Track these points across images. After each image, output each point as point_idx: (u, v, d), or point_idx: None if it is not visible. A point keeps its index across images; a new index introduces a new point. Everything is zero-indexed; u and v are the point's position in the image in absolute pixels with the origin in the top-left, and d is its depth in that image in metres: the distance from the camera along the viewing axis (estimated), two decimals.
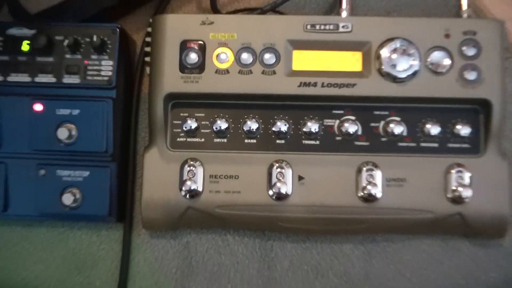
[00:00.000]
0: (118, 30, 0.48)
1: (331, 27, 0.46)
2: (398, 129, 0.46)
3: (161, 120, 0.47)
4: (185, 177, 0.46)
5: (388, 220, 0.46)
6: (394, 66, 0.45)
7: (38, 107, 0.48)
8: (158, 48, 0.47)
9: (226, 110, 0.48)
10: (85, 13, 0.50)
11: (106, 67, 0.48)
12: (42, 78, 0.48)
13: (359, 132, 0.47)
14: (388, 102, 0.47)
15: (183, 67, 0.47)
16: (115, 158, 0.48)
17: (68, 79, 0.48)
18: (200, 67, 0.47)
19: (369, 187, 0.46)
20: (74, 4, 0.50)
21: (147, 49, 0.48)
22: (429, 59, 0.46)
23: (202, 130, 0.48)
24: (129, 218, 0.50)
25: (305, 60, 0.47)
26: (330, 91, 0.46)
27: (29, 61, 0.48)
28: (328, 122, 0.48)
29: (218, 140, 0.47)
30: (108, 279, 0.49)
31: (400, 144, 0.47)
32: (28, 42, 0.48)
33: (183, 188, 0.46)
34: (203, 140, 0.48)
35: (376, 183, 0.46)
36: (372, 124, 0.47)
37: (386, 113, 0.47)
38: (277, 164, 0.46)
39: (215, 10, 0.52)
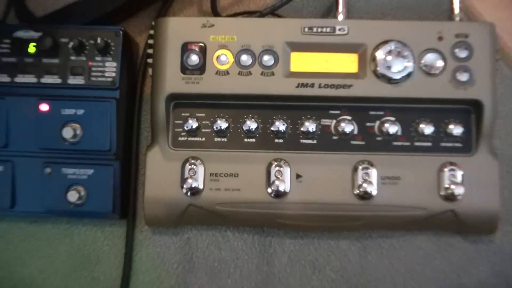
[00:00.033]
0: (121, 32, 0.48)
1: (328, 29, 0.47)
2: (392, 128, 0.47)
3: (163, 120, 0.47)
4: (186, 175, 0.47)
5: (383, 217, 0.46)
6: (389, 67, 0.46)
7: (44, 107, 0.48)
8: (160, 50, 0.47)
9: (226, 110, 0.48)
10: (89, 16, 0.50)
11: (109, 69, 0.48)
12: (48, 79, 0.48)
13: (355, 132, 0.47)
14: (383, 103, 0.47)
15: (185, 69, 0.47)
16: (118, 156, 0.48)
17: (73, 80, 0.48)
18: (201, 68, 0.47)
19: (364, 185, 0.46)
20: (79, 7, 0.50)
21: (150, 51, 0.49)
22: (422, 61, 0.46)
23: (203, 130, 0.48)
24: (132, 215, 0.50)
25: (302, 62, 0.47)
26: (327, 92, 0.46)
27: (36, 63, 0.48)
28: (325, 122, 0.48)
29: (218, 139, 0.48)
30: (112, 274, 0.50)
31: (395, 143, 0.47)
32: (35, 44, 0.48)
33: (184, 186, 0.46)
34: (203, 139, 0.48)
35: (371, 181, 0.46)
36: (368, 124, 0.48)
37: (381, 113, 0.48)
38: (275, 163, 0.47)
39: (215, 13, 0.52)
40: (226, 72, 0.46)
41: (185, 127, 0.47)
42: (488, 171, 0.46)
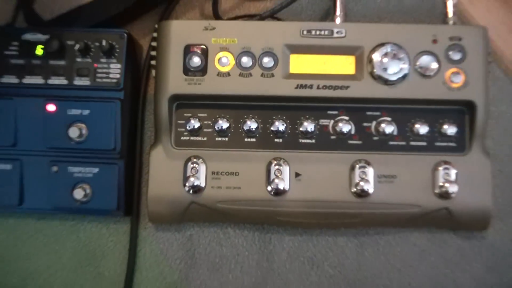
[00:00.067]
0: (125, 35, 0.49)
1: (326, 32, 0.47)
2: (389, 128, 0.47)
3: (166, 120, 0.47)
4: (188, 173, 0.47)
5: (379, 214, 0.46)
6: (385, 69, 0.46)
7: (51, 107, 0.48)
8: (163, 52, 0.47)
9: (227, 110, 0.48)
10: (94, 19, 0.50)
11: (114, 70, 0.48)
12: (54, 80, 0.48)
13: (353, 132, 0.48)
14: (379, 103, 0.48)
15: (187, 70, 0.47)
16: (123, 155, 0.49)
17: (79, 81, 0.48)
18: (202, 70, 0.47)
19: (361, 183, 0.46)
20: (85, 11, 0.50)
21: (153, 53, 0.49)
22: (418, 63, 0.46)
23: (205, 130, 0.48)
24: (136, 212, 0.50)
25: (301, 64, 0.47)
26: (325, 93, 0.46)
27: (43, 64, 0.48)
28: (323, 122, 0.48)
29: (219, 139, 0.48)
30: (117, 269, 0.50)
31: (391, 143, 0.48)
32: (42, 46, 0.48)
33: (187, 184, 0.46)
34: (205, 139, 0.48)
35: (368, 180, 0.46)
36: (365, 124, 0.48)
37: (378, 113, 0.48)
38: (275, 162, 0.47)
39: (217, 16, 0.53)
40: (227, 74, 0.47)
41: (187, 127, 0.47)
42: (481, 170, 0.47)
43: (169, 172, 0.47)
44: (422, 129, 0.47)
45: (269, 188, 0.46)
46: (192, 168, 0.47)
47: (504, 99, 0.51)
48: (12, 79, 0.48)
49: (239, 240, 0.50)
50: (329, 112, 0.48)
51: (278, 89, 0.47)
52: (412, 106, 0.47)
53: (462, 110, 0.47)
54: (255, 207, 0.47)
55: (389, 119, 0.47)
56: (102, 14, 0.50)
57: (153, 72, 0.49)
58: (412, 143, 0.48)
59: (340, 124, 0.47)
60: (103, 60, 0.48)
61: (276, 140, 0.48)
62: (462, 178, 0.46)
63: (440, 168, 0.46)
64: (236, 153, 0.47)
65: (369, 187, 0.46)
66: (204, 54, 0.47)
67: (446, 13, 0.50)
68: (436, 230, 0.50)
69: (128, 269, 0.49)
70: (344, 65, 0.47)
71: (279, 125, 0.47)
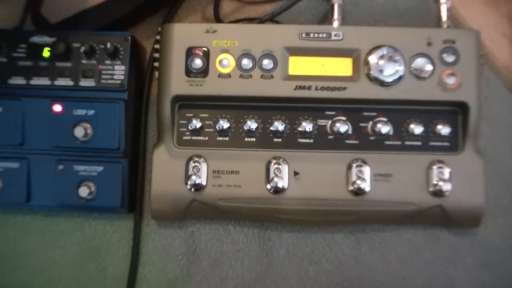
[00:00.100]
0: (129, 37, 0.49)
1: (324, 35, 0.47)
2: (385, 128, 0.47)
3: (169, 120, 0.48)
4: (190, 172, 0.47)
5: (375, 211, 0.47)
6: (381, 71, 0.46)
7: (57, 108, 0.48)
8: (166, 54, 0.48)
9: (228, 111, 0.48)
10: (99, 23, 0.51)
11: (118, 72, 0.49)
12: (61, 82, 0.49)
13: (350, 132, 0.48)
14: (376, 104, 0.48)
15: (189, 72, 0.47)
16: (126, 154, 0.49)
17: (84, 83, 0.48)
18: (204, 71, 0.47)
19: (358, 181, 0.46)
20: (90, 14, 0.51)
21: (156, 55, 0.49)
22: (413, 65, 0.47)
23: (206, 129, 0.48)
24: (139, 209, 0.51)
25: (300, 66, 0.48)
26: (323, 94, 0.47)
27: (50, 66, 0.49)
28: (321, 122, 0.48)
29: (220, 138, 0.48)
30: (120, 264, 0.50)
31: (387, 142, 0.48)
32: (49, 49, 0.48)
33: (189, 182, 0.47)
34: (206, 138, 0.48)
35: (364, 178, 0.47)
36: (361, 124, 0.48)
37: (374, 114, 0.48)
38: (274, 161, 0.47)
39: (218, 19, 0.53)
40: (228, 75, 0.47)
41: (189, 127, 0.48)
42: (474, 168, 0.47)
43: (172, 170, 0.47)
44: (417, 129, 0.47)
45: (268, 187, 0.47)
46: (194, 167, 0.47)
47: (496, 100, 0.52)
48: (20, 81, 0.49)
49: (239, 236, 0.51)
50: (327, 112, 0.48)
51: (278, 90, 0.47)
52: (407, 107, 0.48)
53: (456, 111, 0.48)
54: (255, 204, 0.47)
55: (385, 119, 0.48)
56: (107, 17, 0.51)
57: (156, 73, 0.49)
58: (407, 142, 0.48)
59: (338, 124, 0.47)
60: (107, 62, 0.49)
61: (275, 139, 0.48)
62: (455, 176, 0.46)
63: (434, 167, 0.47)
64: (236, 152, 0.48)
65: (366, 186, 0.46)
66: (206, 56, 0.47)
67: (440, 17, 0.50)
68: (430, 227, 0.50)
69: (131, 265, 0.50)
70: (342, 67, 0.47)
71: (279, 125, 0.47)
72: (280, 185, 0.46)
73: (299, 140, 0.48)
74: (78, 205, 0.49)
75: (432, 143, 0.48)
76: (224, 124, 0.47)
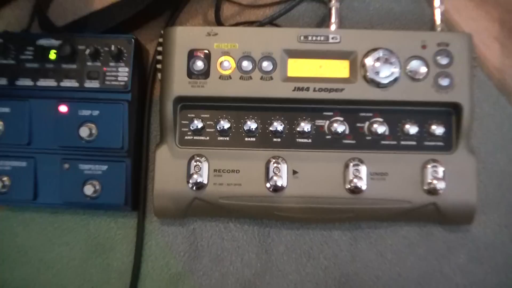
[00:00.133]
0: (133, 40, 0.49)
1: (322, 38, 0.48)
2: (381, 129, 0.48)
3: (171, 120, 0.48)
4: (192, 171, 0.47)
5: (371, 209, 0.47)
6: (377, 73, 0.47)
7: (63, 108, 0.49)
8: (168, 57, 0.48)
9: (228, 111, 0.48)
10: (104, 26, 0.51)
11: (122, 73, 0.49)
12: (66, 83, 0.49)
13: (347, 132, 0.48)
14: (372, 105, 0.48)
15: (191, 73, 0.47)
16: (130, 154, 0.49)
17: (89, 84, 0.49)
18: (205, 73, 0.47)
19: (355, 180, 0.47)
20: (95, 18, 0.52)
21: (159, 57, 0.49)
22: (408, 67, 0.47)
23: (207, 129, 0.49)
24: (143, 207, 0.51)
25: (299, 67, 0.48)
26: (321, 95, 0.47)
27: (56, 68, 0.49)
28: (319, 122, 0.49)
29: (221, 138, 0.49)
30: (124, 260, 0.51)
31: (383, 142, 0.48)
32: (55, 51, 0.49)
33: (190, 181, 0.47)
34: (208, 138, 0.49)
35: (361, 177, 0.47)
36: (358, 125, 0.48)
37: (371, 114, 0.48)
38: (273, 160, 0.48)
39: (219, 23, 0.53)
40: (229, 77, 0.47)
41: (191, 127, 0.48)
42: (467, 167, 0.47)
43: (174, 169, 0.48)
44: (412, 129, 0.48)
45: (268, 185, 0.47)
46: (195, 166, 0.47)
47: (488, 101, 0.52)
48: (27, 82, 0.49)
49: (240, 234, 0.51)
50: (325, 113, 0.49)
51: (277, 91, 0.47)
52: (402, 107, 0.48)
53: (449, 112, 0.48)
54: (255, 203, 0.47)
55: (381, 119, 0.48)
56: (111, 21, 0.51)
57: (159, 75, 0.49)
58: (403, 142, 0.48)
59: (335, 125, 0.48)
60: (112, 64, 0.49)
61: (274, 139, 0.48)
62: (449, 175, 0.47)
63: (429, 166, 0.47)
64: (237, 151, 0.48)
65: (362, 184, 0.47)
66: (207, 58, 0.47)
67: (434, 21, 0.51)
68: (424, 224, 0.51)
69: (135, 261, 0.50)
70: (339, 69, 0.48)
71: (278, 125, 0.48)
72: (279, 183, 0.47)
73: (297, 140, 0.48)
74: (83, 203, 0.49)
75: (426, 143, 0.48)
76: (225, 124, 0.48)
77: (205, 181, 0.47)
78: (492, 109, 0.52)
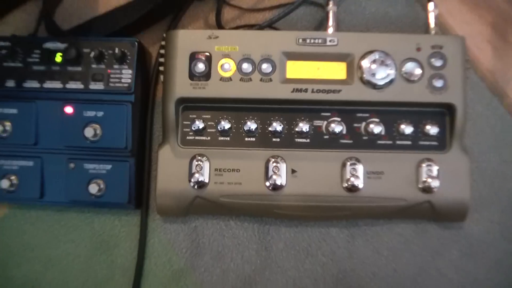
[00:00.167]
0: (136, 43, 0.49)
1: (320, 41, 0.48)
2: (377, 129, 0.48)
3: (173, 121, 0.48)
4: (193, 170, 0.48)
5: (368, 207, 0.48)
6: (373, 74, 0.47)
7: (68, 109, 0.49)
8: (171, 59, 0.48)
9: (229, 112, 0.49)
10: (108, 29, 0.52)
11: (126, 75, 0.49)
12: (72, 85, 0.49)
13: (344, 132, 0.48)
14: (368, 106, 0.49)
15: (192, 75, 0.48)
16: (133, 153, 0.50)
17: (94, 86, 0.49)
18: (206, 75, 0.48)
19: (352, 179, 0.47)
20: (99, 22, 0.52)
21: (161, 59, 0.50)
22: (403, 69, 0.48)
23: (208, 130, 0.49)
24: (146, 205, 0.51)
25: (297, 69, 0.48)
26: (319, 96, 0.48)
27: (62, 70, 0.49)
28: (317, 123, 0.49)
29: (222, 138, 0.49)
30: (128, 257, 0.51)
31: (379, 142, 0.49)
32: (61, 54, 0.49)
33: (192, 180, 0.47)
34: (209, 138, 0.49)
35: (358, 176, 0.47)
36: (355, 125, 0.49)
37: (367, 115, 0.49)
38: (273, 159, 0.48)
39: (219, 26, 0.54)
40: (229, 79, 0.48)
41: (192, 128, 0.48)
42: (460, 166, 0.48)
43: (176, 169, 0.48)
44: (407, 129, 0.48)
45: (267, 184, 0.47)
46: (197, 165, 0.48)
47: (480, 102, 0.53)
48: (34, 84, 0.49)
49: (240, 231, 0.51)
50: (323, 113, 0.49)
51: (276, 92, 0.48)
52: (398, 108, 0.48)
53: (443, 112, 0.48)
54: (255, 201, 0.48)
55: (377, 120, 0.49)
56: (115, 24, 0.52)
57: (161, 77, 0.50)
58: (398, 142, 0.49)
59: (333, 125, 0.48)
60: (115, 66, 0.49)
61: (274, 139, 0.49)
62: (443, 174, 0.47)
63: (423, 165, 0.48)
64: (237, 151, 0.48)
65: (359, 183, 0.47)
66: (208, 60, 0.48)
67: (428, 24, 0.51)
68: (419, 221, 0.51)
69: (138, 257, 0.51)
70: (336, 70, 0.48)
71: (277, 126, 0.48)
72: (278, 182, 0.47)
73: (296, 139, 0.49)
74: (88, 201, 0.49)
75: (421, 142, 0.49)
76: (226, 124, 0.48)
77: (206, 180, 0.48)
78: (484, 110, 0.53)
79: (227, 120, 0.48)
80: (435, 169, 0.47)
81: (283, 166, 0.48)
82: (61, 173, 0.49)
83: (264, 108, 0.49)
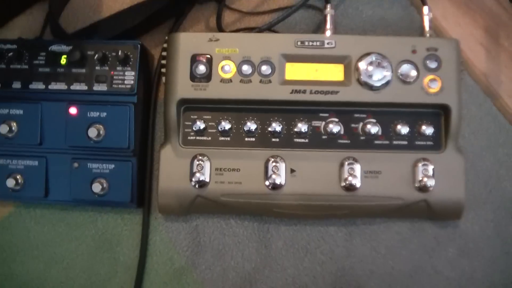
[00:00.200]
0: (139, 46, 0.50)
1: (318, 43, 0.48)
2: (374, 129, 0.48)
3: (175, 122, 0.49)
4: (194, 170, 0.48)
5: (366, 206, 0.48)
6: (370, 76, 0.47)
7: (72, 110, 0.50)
8: (172, 61, 0.49)
9: (229, 113, 0.49)
10: (111, 32, 0.52)
11: (129, 77, 0.50)
12: (76, 86, 0.50)
13: (342, 132, 0.49)
14: (365, 107, 0.49)
15: (193, 77, 0.48)
16: (136, 153, 0.50)
17: (97, 87, 0.49)
18: (207, 77, 0.48)
19: (350, 178, 0.47)
20: (103, 25, 0.53)
21: (163, 61, 0.50)
22: (399, 71, 0.48)
23: (209, 130, 0.49)
24: (148, 204, 0.52)
25: (296, 71, 0.49)
26: (317, 97, 0.48)
27: (66, 72, 0.50)
28: (315, 123, 0.49)
29: (222, 138, 0.49)
30: (130, 255, 0.51)
31: (376, 142, 0.49)
32: (66, 56, 0.50)
33: (193, 179, 0.48)
34: (210, 138, 0.49)
35: (356, 175, 0.47)
36: (353, 125, 0.49)
37: (364, 116, 0.49)
38: (272, 159, 0.48)
39: (220, 29, 0.54)
40: (230, 80, 0.48)
41: (193, 128, 0.48)
42: (455, 165, 0.48)
43: (177, 168, 0.48)
44: (403, 129, 0.48)
45: (267, 183, 0.48)
46: (198, 165, 0.48)
47: (475, 103, 0.53)
48: (40, 86, 0.50)
49: (240, 230, 0.51)
50: (321, 114, 0.49)
51: (275, 94, 0.48)
52: (394, 109, 0.49)
53: (438, 113, 0.49)
54: (255, 200, 0.48)
55: (374, 120, 0.49)
56: (118, 27, 0.52)
57: (163, 78, 0.50)
58: (395, 142, 0.49)
59: (331, 125, 0.48)
60: (119, 68, 0.50)
61: (273, 139, 0.49)
62: (438, 173, 0.47)
63: (419, 165, 0.48)
64: (237, 151, 0.49)
65: (357, 182, 0.47)
66: (209, 62, 0.48)
67: (423, 27, 0.52)
68: (415, 220, 0.51)
69: (140, 255, 0.51)
70: (334, 72, 0.49)
71: (276, 126, 0.48)
72: (277, 181, 0.47)
73: (295, 140, 0.49)
74: (91, 200, 0.50)
75: (417, 143, 0.49)
76: (226, 125, 0.48)
77: (207, 180, 0.48)
78: (478, 110, 0.53)
79: (227, 121, 0.49)
80: (430, 168, 0.48)
81: (282, 166, 0.48)
82: (65, 173, 0.50)
83: (263, 109, 0.49)
